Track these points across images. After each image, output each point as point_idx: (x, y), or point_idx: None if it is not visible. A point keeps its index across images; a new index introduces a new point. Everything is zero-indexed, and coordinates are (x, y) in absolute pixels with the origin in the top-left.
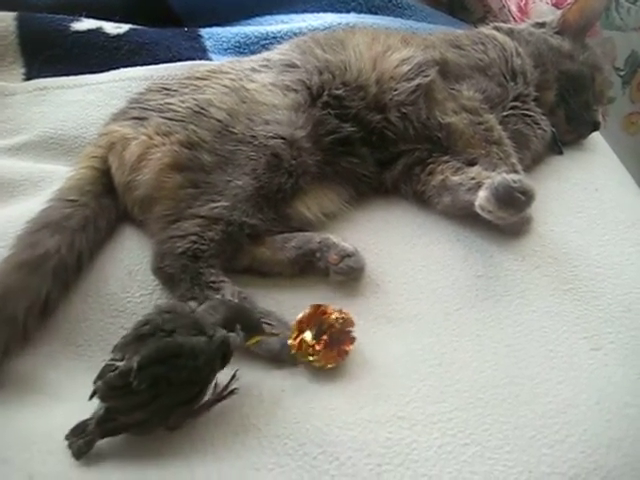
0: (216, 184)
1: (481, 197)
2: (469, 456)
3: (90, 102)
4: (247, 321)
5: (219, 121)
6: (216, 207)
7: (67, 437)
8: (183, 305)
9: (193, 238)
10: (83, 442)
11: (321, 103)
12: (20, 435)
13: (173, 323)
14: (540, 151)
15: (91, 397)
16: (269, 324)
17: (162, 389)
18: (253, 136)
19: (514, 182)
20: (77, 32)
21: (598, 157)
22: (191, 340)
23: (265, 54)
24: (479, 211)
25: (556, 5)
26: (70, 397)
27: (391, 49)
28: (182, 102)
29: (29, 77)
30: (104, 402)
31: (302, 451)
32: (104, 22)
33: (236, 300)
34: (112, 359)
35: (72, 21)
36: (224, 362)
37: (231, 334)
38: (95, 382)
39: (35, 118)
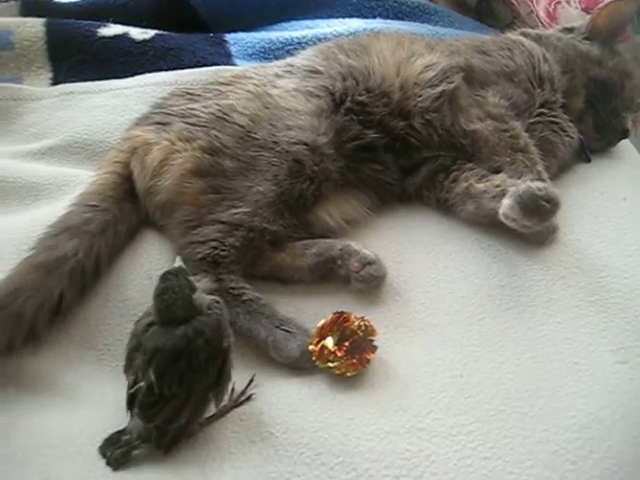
0: (237, 190)
1: (505, 205)
2: (489, 470)
3: (115, 107)
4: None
5: (241, 127)
6: (237, 213)
7: (101, 448)
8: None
9: (213, 244)
10: (120, 453)
11: (344, 109)
12: (39, 438)
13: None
14: (567, 159)
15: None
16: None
17: (191, 380)
18: (275, 142)
19: (539, 190)
20: (104, 37)
21: (627, 166)
22: (187, 326)
23: (289, 60)
24: (503, 219)
25: (585, 10)
26: (89, 402)
27: (415, 55)
28: (205, 107)
29: (56, 82)
30: (150, 423)
31: (319, 461)
32: (131, 28)
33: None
34: (129, 381)
35: (99, 27)
36: (225, 324)
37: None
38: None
39: (60, 123)
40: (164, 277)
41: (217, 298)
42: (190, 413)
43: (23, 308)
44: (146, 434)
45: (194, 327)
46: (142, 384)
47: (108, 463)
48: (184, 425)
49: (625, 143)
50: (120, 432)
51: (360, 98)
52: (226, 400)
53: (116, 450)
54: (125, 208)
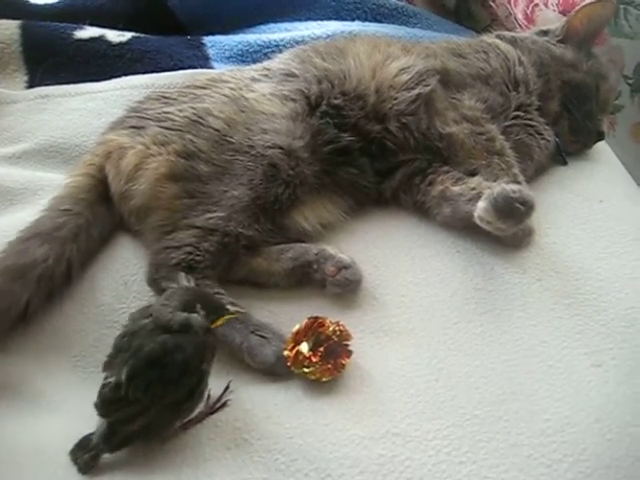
0: (212, 194)
1: (480, 207)
2: (464, 475)
3: (91, 110)
4: (207, 303)
5: (217, 130)
6: (212, 218)
7: (72, 452)
8: (144, 310)
9: (188, 249)
10: (89, 457)
11: (320, 112)
12: (11, 447)
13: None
14: (543, 161)
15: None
16: (233, 304)
17: (158, 391)
18: (251, 146)
19: (513, 192)
20: (80, 40)
21: (603, 167)
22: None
23: (266, 63)
24: (478, 222)
25: (563, 12)
26: (63, 409)
27: (391, 57)
28: (180, 111)
29: (31, 85)
30: (105, 418)
31: (294, 467)
32: (107, 30)
33: (191, 284)
34: (105, 377)
35: (75, 29)
36: (212, 349)
37: (192, 315)
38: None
39: (36, 126)
40: (181, 292)
41: (208, 326)
42: (146, 422)
43: None
44: (102, 433)
45: (176, 341)
46: (113, 379)
47: (78, 468)
48: (136, 431)
49: (601, 145)
50: (89, 435)
51: (336, 101)
52: (202, 407)
53: (85, 454)
54: (99, 212)
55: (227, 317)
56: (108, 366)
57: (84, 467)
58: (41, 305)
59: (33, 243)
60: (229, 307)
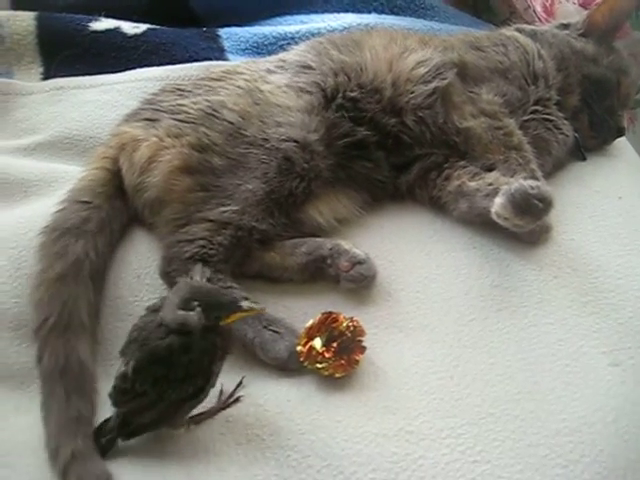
0: (226, 188)
1: (497, 204)
2: (478, 474)
3: (106, 102)
4: (213, 299)
5: (231, 123)
6: (225, 211)
7: (93, 434)
8: (158, 303)
9: (201, 243)
10: (106, 440)
11: (335, 105)
12: (22, 439)
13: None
14: (562, 157)
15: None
16: (246, 298)
17: (164, 387)
18: (265, 139)
19: (532, 188)
20: (95, 32)
21: (623, 164)
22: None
23: (281, 55)
24: (495, 218)
25: (583, 5)
26: None
27: (408, 50)
28: (194, 103)
29: (47, 76)
30: (117, 407)
31: (306, 463)
32: (123, 22)
33: (203, 280)
34: (119, 366)
35: (91, 21)
36: (224, 349)
37: (189, 313)
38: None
39: (51, 118)
40: (184, 289)
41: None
42: (155, 417)
43: (81, 318)
44: (116, 421)
45: (183, 342)
46: (123, 369)
47: (97, 450)
48: (148, 423)
49: (621, 141)
50: (107, 420)
51: (352, 94)
52: (214, 402)
53: (102, 438)
54: (116, 205)
55: (240, 314)
56: (123, 354)
57: (102, 451)
58: (98, 303)
59: (68, 240)
60: (243, 304)
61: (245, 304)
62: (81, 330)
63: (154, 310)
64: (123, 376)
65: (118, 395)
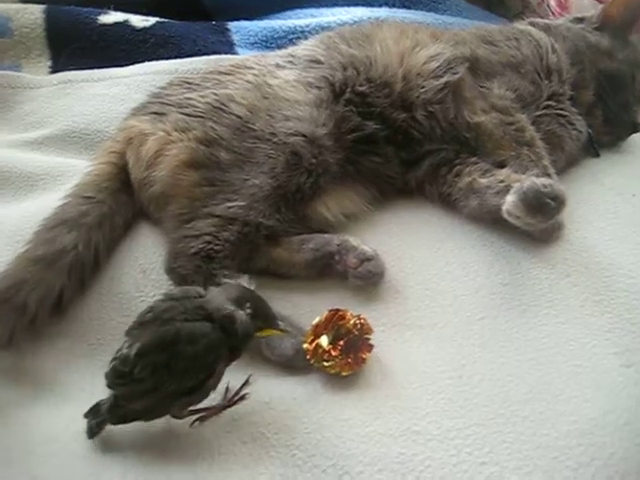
0: (233, 183)
1: (509, 202)
2: (486, 476)
3: (114, 96)
4: (261, 309)
5: (239, 117)
6: (232, 206)
7: (85, 416)
8: (191, 290)
9: (207, 238)
10: (95, 423)
11: (344, 100)
12: (24, 435)
13: (172, 311)
14: (575, 153)
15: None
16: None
17: (163, 377)
18: (273, 133)
19: (544, 187)
20: (104, 25)
21: (637, 160)
22: (189, 326)
23: (291, 49)
24: (506, 216)
25: None
26: (79, 397)
27: (419, 45)
28: (202, 97)
29: (55, 70)
30: (111, 389)
31: (311, 463)
32: (131, 15)
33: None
34: (120, 347)
35: (99, 14)
36: (235, 353)
37: (239, 311)
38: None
39: (58, 111)
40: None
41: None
42: (148, 406)
43: (25, 301)
44: (108, 403)
45: (191, 331)
46: (125, 351)
47: (86, 431)
48: (139, 411)
49: (635, 137)
50: (100, 402)
51: (361, 88)
52: (220, 400)
53: (92, 420)
54: (121, 200)
55: (273, 331)
56: (129, 334)
57: (89, 432)
58: (74, 294)
59: (60, 231)
60: (280, 323)
61: (281, 324)
62: (19, 315)
63: (172, 298)
64: (124, 358)
65: (115, 376)
